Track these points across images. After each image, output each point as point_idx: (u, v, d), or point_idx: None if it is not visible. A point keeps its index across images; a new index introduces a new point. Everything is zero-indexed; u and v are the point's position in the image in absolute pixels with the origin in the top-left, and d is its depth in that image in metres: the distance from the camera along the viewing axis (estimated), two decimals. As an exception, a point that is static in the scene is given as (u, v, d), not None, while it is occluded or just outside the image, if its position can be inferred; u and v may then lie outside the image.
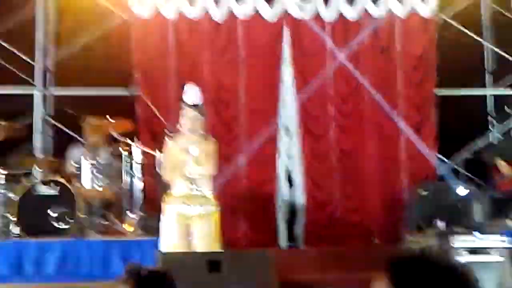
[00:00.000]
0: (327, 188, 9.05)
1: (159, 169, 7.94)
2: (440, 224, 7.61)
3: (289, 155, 9.15)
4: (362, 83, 9.24)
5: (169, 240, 6.25)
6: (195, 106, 6.43)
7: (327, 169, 9.10)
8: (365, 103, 9.25)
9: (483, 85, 10.10)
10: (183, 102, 6.47)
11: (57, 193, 7.42)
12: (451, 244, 6.78)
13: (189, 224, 6.27)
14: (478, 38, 9.94)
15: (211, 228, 6.32)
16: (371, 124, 9.22)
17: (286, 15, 9.28)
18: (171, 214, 6.31)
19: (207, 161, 6.34)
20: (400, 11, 9.40)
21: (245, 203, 8.72)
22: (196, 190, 6.33)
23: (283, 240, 8.85)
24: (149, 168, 8.24)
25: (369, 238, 8.91)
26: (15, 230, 7.24)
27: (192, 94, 6.48)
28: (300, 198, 9.00)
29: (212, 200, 6.41)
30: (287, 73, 9.28)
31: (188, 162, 6.31)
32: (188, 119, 6.38)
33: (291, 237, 8.92)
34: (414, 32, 9.45)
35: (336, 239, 8.81)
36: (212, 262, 5.79)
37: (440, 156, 9.46)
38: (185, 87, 6.56)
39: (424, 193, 8.52)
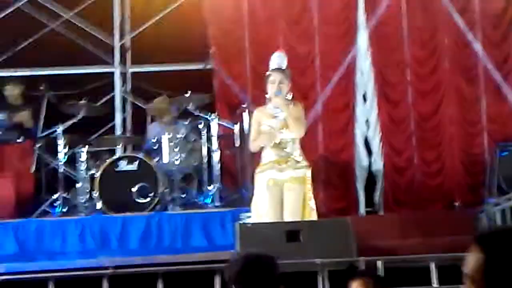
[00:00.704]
0: (406, 154, 8.96)
1: (238, 141, 8.05)
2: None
3: (367, 122, 9.09)
4: (440, 46, 9.09)
5: (262, 208, 6.24)
6: (281, 70, 6.43)
7: (406, 134, 9.00)
8: (443, 66, 9.09)
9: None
10: (270, 69, 6.47)
11: (137, 169, 7.55)
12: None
13: (282, 189, 6.21)
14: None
15: (305, 190, 6.26)
16: (449, 87, 9.05)
17: (359, -20, 9.17)
18: (262, 181, 6.28)
19: (296, 124, 6.29)
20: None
21: (323, 171, 8.71)
22: (286, 153, 6.30)
23: (362, 207, 8.82)
24: (227, 141, 8.33)
25: (449, 203, 8.79)
26: (98, 205, 7.43)
27: (277, 58, 6.52)
28: (379, 164, 8.93)
29: (303, 163, 6.35)
30: (362, 39, 9.19)
31: (277, 127, 6.28)
32: (274, 83, 6.34)
33: (370, 203, 8.89)
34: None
35: (416, 204, 8.73)
36: (290, 232, 5.83)
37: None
38: (272, 56, 6.60)
39: (506, 154, 8.34)
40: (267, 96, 6.44)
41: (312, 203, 6.29)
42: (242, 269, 2.92)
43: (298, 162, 6.30)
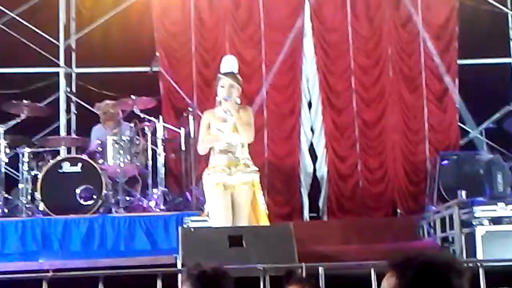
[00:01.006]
0: (350, 160, 9.08)
1: (183, 145, 8.04)
2: (463, 194, 7.57)
3: (312, 128, 9.18)
4: (384, 56, 9.24)
5: (215, 213, 6.17)
6: (231, 74, 6.35)
7: (350, 141, 9.12)
8: (386, 75, 9.23)
9: (505, 55, 9.98)
10: (220, 73, 6.40)
11: (81, 171, 7.49)
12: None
13: (232, 193, 6.16)
14: (501, 6, 9.80)
15: (255, 195, 6.23)
16: (393, 96, 9.20)
17: (306, -13, 9.26)
18: (210, 184, 6.19)
19: (246, 129, 6.25)
20: (421, -19, 9.32)
21: (268, 177, 8.77)
22: (235, 158, 6.25)
23: (306, 212, 8.90)
24: (172, 144, 8.32)
25: (392, 210, 8.94)
26: (40, 207, 7.34)
27: (228, 62, 6.44)
28: (323, 170, 9.03)
29: (253, 167, 6.30)
30: (308, 46, 9.28)
31: (226, 130, 6.25)
32: (225, 88, 6.27)
33: (315, 209, 8.97)
34: (435, 2, 9.37)
35: (359, 210, 8.87)
36: (233, 237, 5.85)
37: (463, 125, 9.42)
38: (223, 59, 6.54)
39: (447, 163, 8.51)
40: (217, 98, 6.40)
41: (263, 208, 6.29)
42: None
43: (247, 166, 6.28)
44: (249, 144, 6.42)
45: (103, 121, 8.47)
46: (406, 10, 9.33)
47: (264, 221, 6.27)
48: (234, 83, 6.31)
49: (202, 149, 6.41)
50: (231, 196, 6.17)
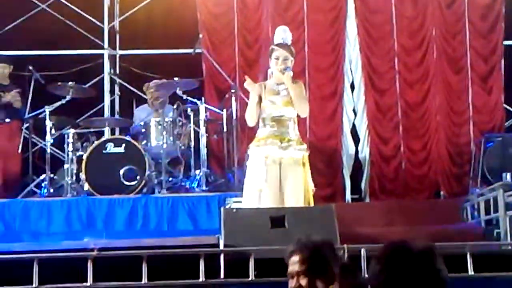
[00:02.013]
0: (393, 142, 9.01)
1: (225, 126, 8.05)
2: (508, 176, 7.48)
3: (354, 110, 9.14)
4: (428, 37, 9.14)
5: (258, 185, 5.98)
6: (285, 45, 6.17)
7: (392, 123, 9.05)
8: (430, 57, 9.13)
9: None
10: (273, 44, 6.21)
11: (124, 151, 7.56)
12: None
13: (280, 168, 5.98)
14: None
15: (306, 172, 6.07)
16: (437, 77, 9.10)
17: (349, -32, 9.18)
18: (259, 157, 6.00)
19: (302, 103, 6.09)
20: (466, -41, 9.17)
21: (310, 158, 8.73)
22: (287, 132, 6.07)
23: (348, 194, 8.88)
24: (214, 125, 8.35)
25: (435, 192, 8.87)
26: (85, 187, 7.44)
27: (282, 33, 6.24)
28: (366, 152, 8.99)
29: (304, 145, 6.14)
30: (351, 27, 9.22)
31: (279, 103, 6.09)
32: (279, 59, 6.09)
33: (357, 191, 8.94)
34: (481, -18, 9.23)
35: (401, 193, 8.80)
36: (275, 218, 5.85)
37: (508, 107, 9.29)
38: (276, 30, 6.32)
39: (491, 145, 8.41)
40: (269, 71, 6.21)
41: (312, 187, 6.13)
42: None
43: (299, 143, 6.10)
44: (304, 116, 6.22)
45: (150, 101, 8.54)
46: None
47: (312, 201, 6.13)
48: (288, 54, 6.12)
49: (248, 119, 6.19)
50: (279, 170, 5.97)
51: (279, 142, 6.00)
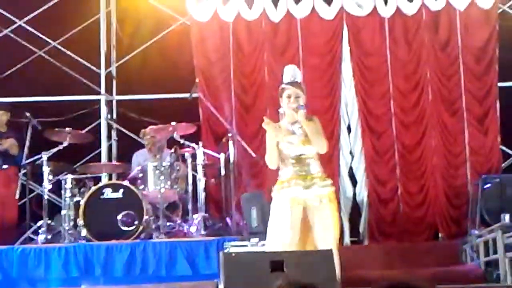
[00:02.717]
0: (390, 184, 9.02)
1: (223, 170, 8.05)
2: (507, 218, 7.48)
3: (351, 152, 9.16)
4: (423, 79, 9.20)
5: (283, 229, 5.76)
6: (296, 83, 6.00)
7: (389, 165, 9.07)
8: (426, 99, 9.19)
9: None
10: (282, 83, 6.02)
11: (122, 197, 7.55)
12: None
13: (305, 209, 5.79)
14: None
15: (330, 210, 5.85)
16: (432, 119, 9.15)
17: (343, 12, 9.28)
18: (283, 200, 5.82)
19: (319, 139, 5.88)
20: (459, 3, 9.27)
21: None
22: (309, 171, 5.90)
23: (347, 236, 8.85)
24: (212, 170, 8.35)
25: (433, 234, 8.85)
26: (83, 233, 7.41)
27: (291, 71, 6.07)
28: (363, 194, 8.99)
29: (329, 180, 5.97)
30: (347, 71, 9.29)
31: (297, 143, 5.91)
32: (291, 97, 5.90)
33: (355, 233, 8.92)
34: (474, 24, 9.32)
35: (400, 235, 8.79)
36: (274, 262, 5.82)
37: (504, 148, 9.33)
38: (284, 69, 6.13)
39: (489, 186, 8.42)
40: (280, 111, 6.04)
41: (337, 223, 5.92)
42: None
43: (324, 179, 5.94)
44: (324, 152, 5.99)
45: (148, 147, 8.56)
46: (444, 33, 9.29)
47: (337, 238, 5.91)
48: (300, 92, 5.96)
49: (268, 161, 5.98)
50: (303, 212, 5.81)
51: (302, 182, 5.86)
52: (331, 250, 6.01)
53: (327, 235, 5.83)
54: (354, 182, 9.08)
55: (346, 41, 9.30)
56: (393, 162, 9.08)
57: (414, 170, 9.06)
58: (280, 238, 5.83)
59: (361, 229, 8.93)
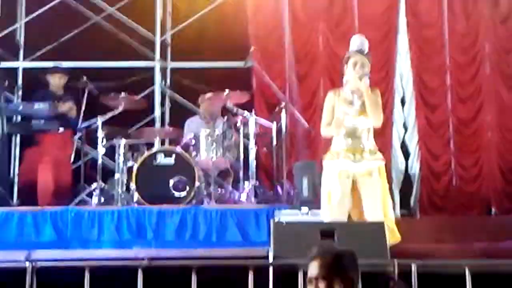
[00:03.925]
0: (443, 158, 8.94)
1: (275, 139, 8.07)
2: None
3: (405, 125, 9.08)
4: (481, 52, 9.05)
5: (332, 202, 5.85)
6: (362, 52, 5.98)
7: (443, 139, 8.99)
8: (483, 73, 9.05)
9: None
10: (349, 52, 6.01)
11: (174, 163, 7.61)
12: None
13: (355, 182, 5.85)
14: None
15: (381, 184, 5.88)
16: (489, 93, 9.01)
17: (401, -17, 9.17)
18: (333, 171, 5.87)
19: (376, 112, 5.90)
20: (521, -25, 9.09)
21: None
22: (361, 143, 5.91)
23: (397, 209, 8.81)
24: (264, 138, 8.37)
25: (486, 209, 8.76)
26: (135, 197, 7.50)
27: (358, 40, 6.05)
28: (416, 168, 8.92)
29: (379, 154, 5.97)
30: (403, 42, 9.19)
31: (353, 114, 5.90)
32: (357, 65, 5.90)
33: (406, 206, 8.88)
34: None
35: (452, 209, 8.73)
36: (325, 232, 5.82)
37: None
38: (352, 38, 6.11)
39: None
40: (345, 78, 6.01)
41: (389, 198, 5.98)
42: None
43: (374, 153, 5.95)
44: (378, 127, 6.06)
45: (202, 115, 8.58)
46: (505, 5, 9.11)
47: (389, 213, 5.95)
48: (366, 61, 5.94)
49: (325, 134, 6.05)
50: (352, 185, 5.84)
51: (352, 155, 5.87)
52: (383, 222, 6.01)
53: (376, 208, 5.86)
54: (406, 155, 9.01)
55: (403, 13, 9.18)
56: (447, 136, 9.00)
57: (468, 144, 8.97)
58: (331, 211, 5.88)
59: (412, 202, 8.88)
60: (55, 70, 8.57)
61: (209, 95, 8.44)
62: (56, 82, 8.46)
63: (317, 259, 3.13)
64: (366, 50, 6.04)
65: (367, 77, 5.90)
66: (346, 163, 5.86)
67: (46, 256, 5.77)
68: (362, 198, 5.87)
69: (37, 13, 9.55)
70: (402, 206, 8.84)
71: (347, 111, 5.92)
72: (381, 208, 5.88)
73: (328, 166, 5.94)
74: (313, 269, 3.15)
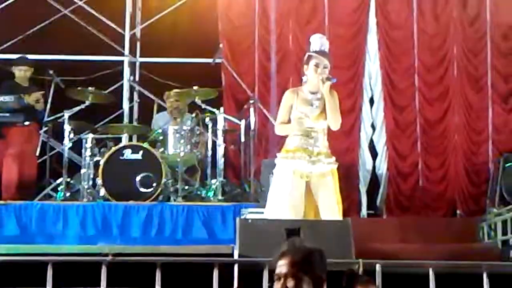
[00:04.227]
0: (410, 159, 8.99)
1: (243, 137, 8.05)
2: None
3: (373, 125, 9.11)
4: (449, 54, 9.11)
5: (282, 201, 5.82)
6: (324, 52, 5.92)
7: (411, 140, 9.03)
8: (451, 74, 9.11)
9: None
10: (309, 52, 5.95)
11: (141, 158, 7.57)
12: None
13: (308, 183, 5.82)
14: None
15: (334, 186, 5.87)
16: (457, 95, 9.07)
17: (371, -18, 9.19)
18: (286, 169, 5.82)
19: (335, 115, 5.86)
20: (490, -22, 9.16)
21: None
22: (316, 145, 5.86)
23: (364, 209, 8.84)
24: (232, 135, 8.35)
25: (451, 210, 8.82)
26: (101, 192, 7.45)
27: (319, 40, 5.97)
28: (383, 168, 8.96)
29: (330, 155, 5.93)
30: (372, 42, 9.21)
31: (311, 115, 5.88)
32: (319, 67, 5.82)
33: (373, 206, 8.91)
34: (504, 1, 9.19)
35: (418, 210, 8.78)
36: (290, 230, 5.82)
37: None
38: (311, 38, 6.05)
39: (510, 165, 8.35)
40: (303, 78, 5.97)
41: (340, 200, 5.95)
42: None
43: (329, 156, 5.92)
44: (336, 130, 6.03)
45: (170, 110, 8.55)
46: (474, 7, 9.18)
47: (341, 215, 5.96)
48: (327, 62, 5.88)
49: (280, 131, 6.06)
50: (305, 185, 5.82)
51: (307, 156, 5.84)
52: (348, 220, 6.02)
53: (334, 210, 5.90)
54: (374, 155, 9.04)
55: (373, 13, 9.21)
56: (414, 136, 9.04)
57: (435, 145, 9.01)
58: (280, 206, 5.85)
59: (378, 202, 8.91)
60: (20, 62, 8.47)
61: (176, 91, 8.41)
62: (21, 74, 8.36)
63: (287, 257, 3.11)
64: (327, 50, 6.00)
65: (334, 80, 5.86)
66: (301, 163, 5.83)
67: (8, 250, 5.71)
68: (318, 199, 5.87)
69: (4, 4, 9.42)
70: (368, 206, 8.87)
71: (306, 112, 5.91)
72: (337, 210, 5.89)
73: (282, 165, 5.90)
74: (282, 266, 3.13)
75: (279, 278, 3.11)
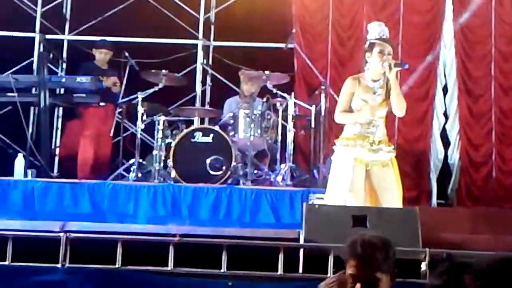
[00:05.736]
0: (484, 149, 8.82)
1: (313, 122, 8.05)
2: None
3: (446, 113, 8.98)
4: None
5: (343, 187, 5.81)
6: (387, 39, 5.90)
7: (485, 129, 8.86)
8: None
9: None
10: (370, 40, 5.91)
11: (212, 141, 7.65)
12: None
13: (367, 171, 5.80)
14: None
15: (395, 174, 5.86)
16: (534, 84, 8.87)
17: (449, -31, 9.03)
18: (346, 157, 5.80)
19: (401, 102, 5.78)
20: None
21: (397, 160, 8.63)
22: (377, 133, 5.84)
23: (434, 198, 8.74)
24: (302, 121, 8.36)
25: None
26: (172, 174, 7.56)
27: (379, 27, 5.94)
28: (455, 157, 8.83)
29: (389, 144, 5.95)
30: (448, 30, 9.06)
31: (373, 103, 5.83)
32: (383, 54, 5.80)
33: (443, 195, 8.80)
34: None
35: (489, 201, 8.60)
36: (357, 217, 5.80)
37: None
38: (369, 25, 6.06)
39: None
40: (366, 66, 5.92)
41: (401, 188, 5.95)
42: None
43: (388, 144, 5.91)
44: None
45: (242, 92, 8.58)
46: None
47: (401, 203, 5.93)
48: (391, 49, 5.86)
49: (340, 120, 6.00)
50: (364, 173, 5.80)
51: (368, 144, 5.81)
52: (416, 208, 5.98)
53: (394, 197, 5.87)
54: (446, 144, 8.92)
55: (450, 0, 9.06)
56: (489, 126, 8.86)
57: (510, 136, 8.82)
58: (341, 194, 5.86)
59: (449, 191, 8.79)
60: (102, 45, 8.66)
61: (250, 73, 8.45)
62: (101, 57, 8.56)
63: (358, 257, 3.09)
64: (388, 36, 5.97)
65: (406, 65, 5.92)
66: (362, 151, 5.81)
67: (80, 227, 5.86)
68: (378, 188, 5.85)
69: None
70: (438, 195, 8.76)
71: (368, 100, 5.87)
72: (399, 198, 5.87)
73: (342, 152, 5.87)
74: (355, 268, 3.10)
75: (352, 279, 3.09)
